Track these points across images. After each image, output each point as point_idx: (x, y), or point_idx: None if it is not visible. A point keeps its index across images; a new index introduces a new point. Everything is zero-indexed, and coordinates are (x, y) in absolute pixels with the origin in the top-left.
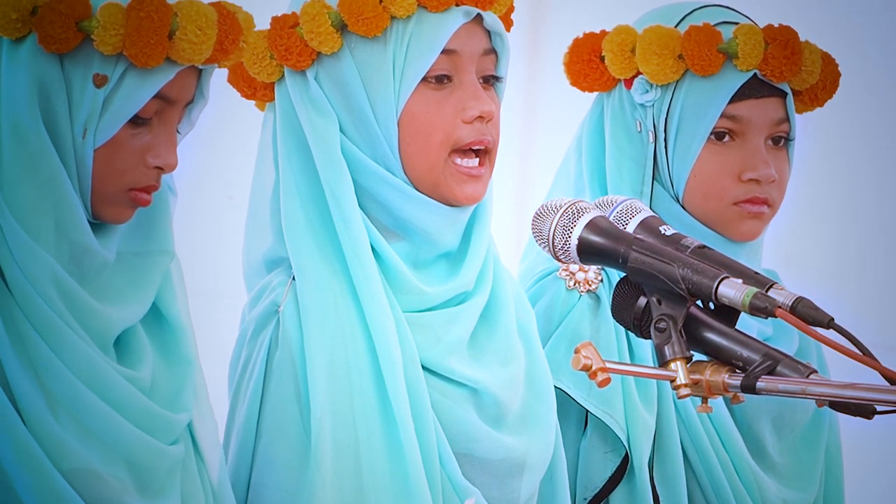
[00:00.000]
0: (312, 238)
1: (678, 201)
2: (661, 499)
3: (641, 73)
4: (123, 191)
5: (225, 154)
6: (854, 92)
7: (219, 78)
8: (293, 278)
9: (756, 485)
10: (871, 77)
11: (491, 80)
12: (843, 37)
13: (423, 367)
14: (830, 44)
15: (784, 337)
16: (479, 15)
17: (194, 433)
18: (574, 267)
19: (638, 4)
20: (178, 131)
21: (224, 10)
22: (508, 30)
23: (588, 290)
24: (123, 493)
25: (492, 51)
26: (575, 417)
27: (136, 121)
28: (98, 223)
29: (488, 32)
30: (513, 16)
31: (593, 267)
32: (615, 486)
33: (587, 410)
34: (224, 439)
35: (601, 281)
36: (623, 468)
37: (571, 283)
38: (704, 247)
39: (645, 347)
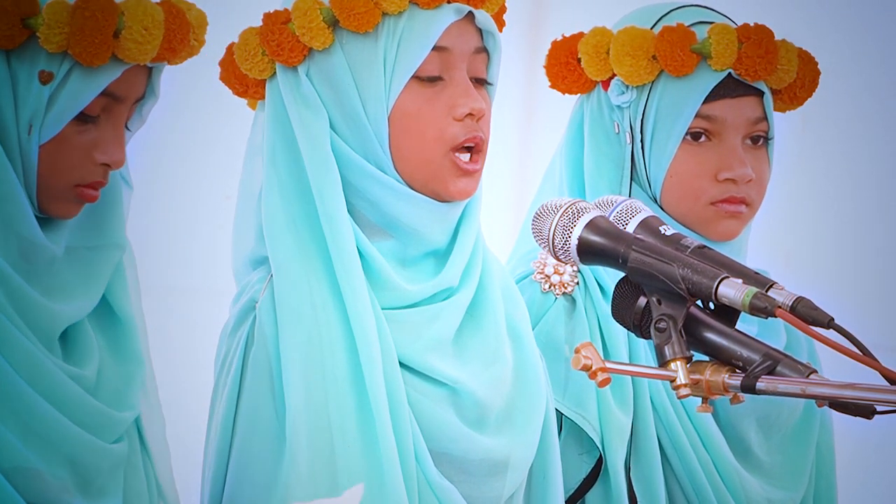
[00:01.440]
0: (292, 235)
1: (656, 202)
2: (638, 499)
3: (617, 75)
4: (70, 187)
5: (222, 154)
6: (853, 90)
7: (215, 77)
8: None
9: (739, 484)
10: (870, 76)
11: (482, 83)
12: (841, 35)
13: (402, 365)
14: (830, 43)
15: (770, 336)
16: (470, 13)
17: (142, 430)
18: (549, 270)
19: (637, 5)
20: (127, 128)
21: (173, 8)
22: (500, 30)
23: (563, 293)
24: (64, 493)
25: (483, 49)
26: None
27: (83, 118)
28: (46, 218)
29: (480, 31)
30: (513, 17)
31: (569, 269)
32: (590, 487)
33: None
34: (206, 435)
35: (577, 283)
36: (598, 469)
37: (546, 286)
38: (704, 247)
39: (621, 351)
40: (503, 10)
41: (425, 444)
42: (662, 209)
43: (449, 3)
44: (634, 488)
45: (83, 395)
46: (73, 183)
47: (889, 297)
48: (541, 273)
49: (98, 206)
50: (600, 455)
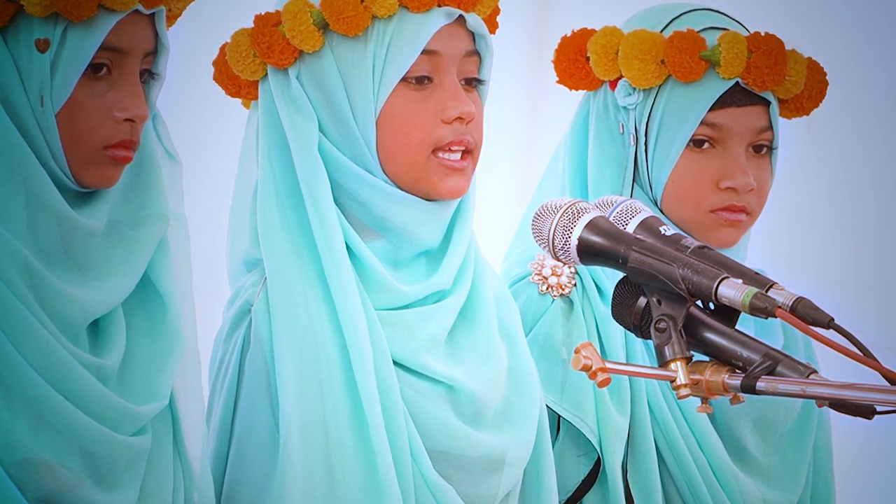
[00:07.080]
0: (286, 237)
1: (657, 205)
2: (635, 501)
3: (624, 77)
4: (98, 150)
5: (226, 152)
6: (855, 94)
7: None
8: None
9: (736, 486)
10: (872, 78)
11: (473, 83)
12: (842, 39)
13: (397, 364)
14: (830, 46)
15: (767, 336)
16: (461, 16)
17: (177, 415)
18: (547, 271)
19: (643, 5)
20: (146, 87)
21: None
22: (493, 32)
23: (561, 294)
24: (76, 485)
25: (475, 52)
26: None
27: (92, 78)
28: (87, 192)
29: (472, 34)
30: (518, 14)
31: (566, 271)
32: (588, 489)
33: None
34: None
35: (574, 285)
36: (596, 471)
37: (544, 288)
38: (704, 247)
39: (618, 353)
40: (496, 12)
41: (423, 442)
42: (662, 213)
43: (440, 6)
44: (632, 490)
45: (99, 387)
46: (100, 145)
47: (889, 297)
48: (538, 274)
49: (136, 175)
50: (598, 457)
